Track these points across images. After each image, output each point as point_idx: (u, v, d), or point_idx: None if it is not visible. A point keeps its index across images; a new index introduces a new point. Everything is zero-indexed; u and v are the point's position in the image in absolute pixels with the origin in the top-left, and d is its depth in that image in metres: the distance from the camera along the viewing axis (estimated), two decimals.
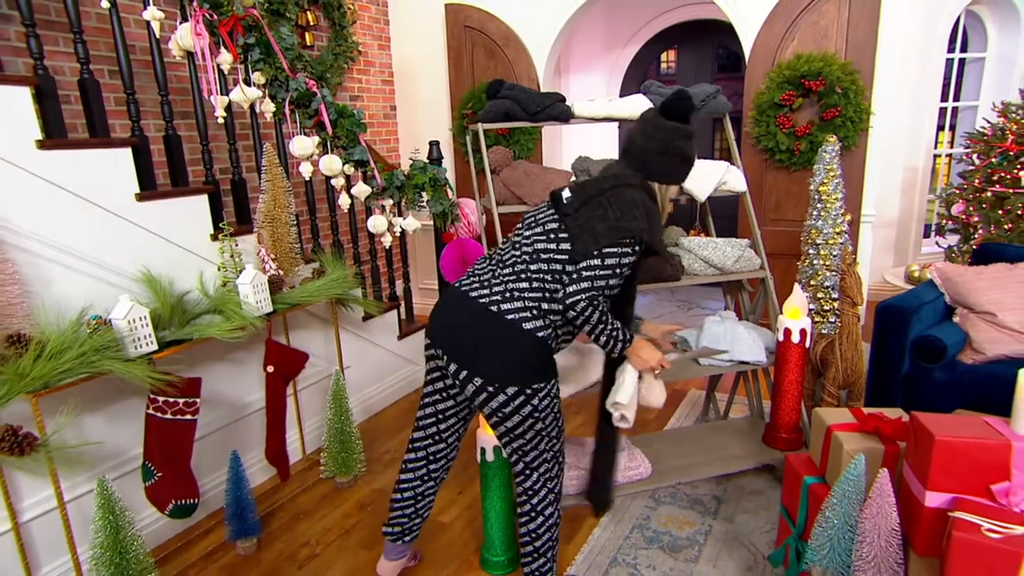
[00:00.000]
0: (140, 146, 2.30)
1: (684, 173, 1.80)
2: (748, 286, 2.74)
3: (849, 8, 3.50)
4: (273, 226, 2.62)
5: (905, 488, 1.59)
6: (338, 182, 3.00)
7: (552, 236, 1.71)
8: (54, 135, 2.03)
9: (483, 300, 1.67)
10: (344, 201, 3.02)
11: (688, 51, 5.80)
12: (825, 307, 2.96)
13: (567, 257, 1.67)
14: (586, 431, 3.14)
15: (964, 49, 4.72)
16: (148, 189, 2.31)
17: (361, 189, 3.03)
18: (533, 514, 1.81)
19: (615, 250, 1.63)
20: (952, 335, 2.44)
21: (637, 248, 1.68)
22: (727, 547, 2.21)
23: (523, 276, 1.68)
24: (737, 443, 2.59)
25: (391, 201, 3.14)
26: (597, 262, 1.62)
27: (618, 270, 1.65)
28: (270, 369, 2.50)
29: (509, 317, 1.63)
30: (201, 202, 2.51)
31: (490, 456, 2.03)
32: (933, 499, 1.47)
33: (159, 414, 2.06)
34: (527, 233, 1.76)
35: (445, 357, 1.69)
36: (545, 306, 1.66)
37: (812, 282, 2.97)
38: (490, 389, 1.64)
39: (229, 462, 2.24)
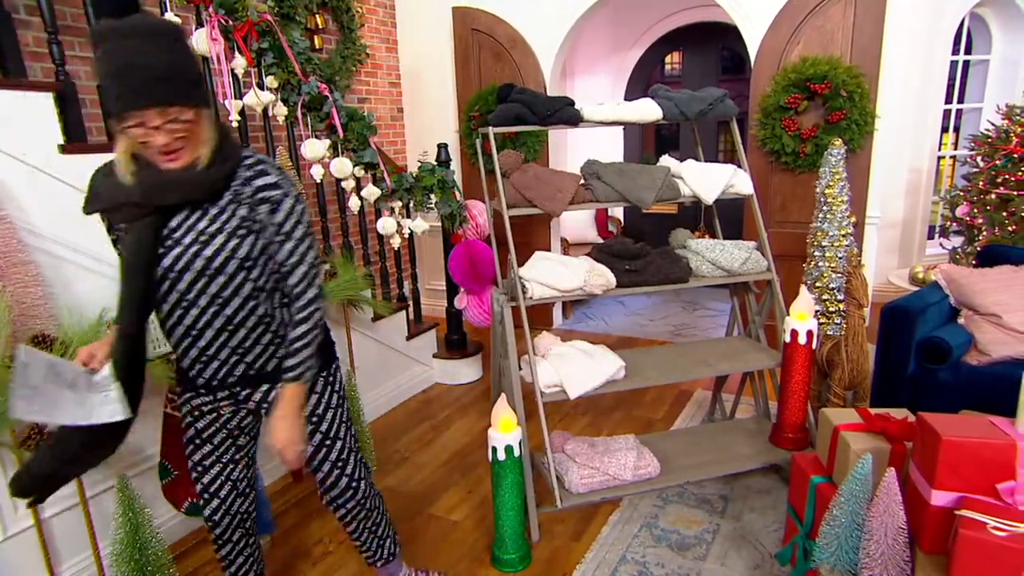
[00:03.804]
0: None
1: (114, 96, 1.22)
2: (755, 288, 2.77)
3: (854, 11, 3.53)
4: None
5: (911, 487, 1.61)
6: (348, 184, 3.03)
7: None
8: (75, 139, 2.06)
9: None
10: (354, 203, 3.05)
11: (693, 54, 5.82)
12: (831, 309, 2.98)
13: None
14: (592, 431, 3.17)
15: (968, 51, 4.73)
16: None
17: (371, 191, 3.06)
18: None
19: None
20: (957, 336, 2.47)
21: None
22: (735, 546, 2.23)
23: None
24: (744, 443, 2.61)
25: (400, 203, 3.18)
26: None
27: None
28: None
29: None
30: None
31: (502, 455, 2.06)
32: (939, 498, 1.49)
33: (176, 413, 2.10)
34: None
35: None
36: None
37: (818, 284, 3.00)
38: None
39: None
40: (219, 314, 1.42)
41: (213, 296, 1.40)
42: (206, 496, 1.63)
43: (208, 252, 1.37)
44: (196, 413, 1.57)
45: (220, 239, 1.38)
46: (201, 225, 1.38)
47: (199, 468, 1.62)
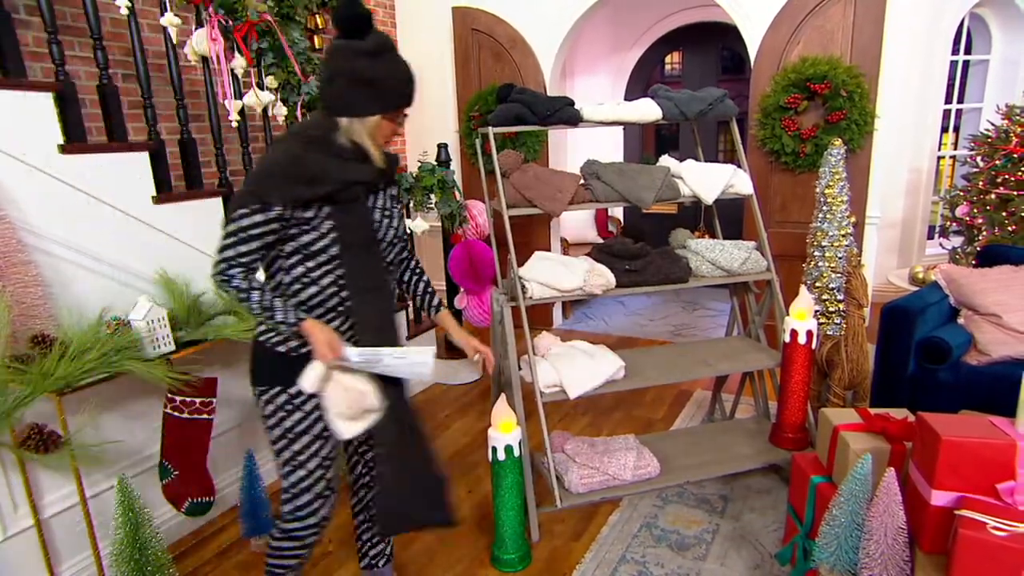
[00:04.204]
0: (157, 150, 2.34)
1: (371, 99, 1.45)
2: (754, 288, 2.77)
3: (854, 11, 3.53)
4: None
5: (911, 487, 1.62)
6: None
7: None
8: (74, 139, 2.07)
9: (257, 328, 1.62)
10: None
11: (693, 53, 5.82)
12: (831, 309, 2.98)
13: None
14: (593, 431, 3.17)
15: (968, 51, 4.73)
16: (164, 192, 2.35)
17: None
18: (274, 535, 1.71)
19: (234, 215, 1.42)
20: (957, 336, 2.47)
21: (257, 209, 1.40)
22: (734, 545, 2.23)
23: None
24: (744, 443, 2.62)
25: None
26: (222, 231, 1.44)
27: (245, 234, 1.41)
28: None
29: (260, 337, 1.58)
30: (215, 204, 2.55)
31: (501, 455, 2.06)
32: (939, 498, 1.50)
33: (176, 413, 2.10)
34: None
35: None
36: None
37: (818, 284, 3.00)
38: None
39: (244, 460, 2.27)
40: (392, 279, 1.68)
41: (391, 263, 1.64)
42: (318, 495, 1.64)
43: (395, 223, 1.62)
44: (313, 404, 1.60)
45: (396, 212, 1.64)
46: (380, 202, 1.59)
47: (322, 460, 1.63)
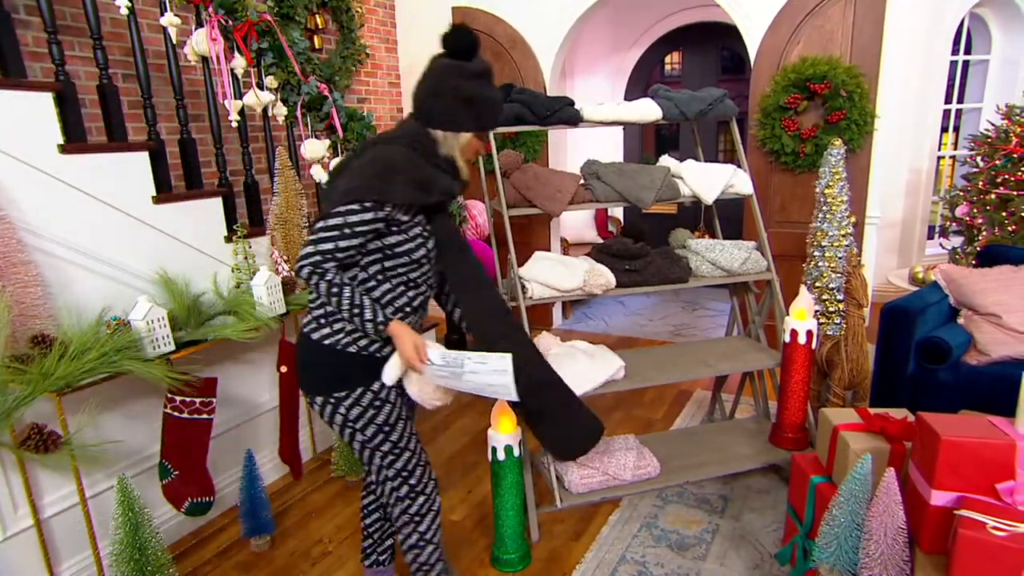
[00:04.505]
0: (156, 150, 2.34)
1: (471, 117, 1.56)
2: (754, 288, 2.77)
3: (854, 11, 3.53)
4: (285, 228, 2.65)
5: (911, 487, 1.62)
6: None
7: None
8: (74, 139, 2.06)
9: (305, 327, 1.64)
10: None
11: (693, 53, 5.82)
12: (831, 308, 2.98)
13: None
14: None
15: (968, 51, 4.73)
16: (164, 192, 2.35)
17: None
18: (399, 524, 1.78)
19: (341, 208, 1.46)
20: (957, 336, 2.47)
21: (370, 207, 1.46)
22: (734, 545, 2.23)
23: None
24: (743, 443, 2.62)
25: None
26: (322, 223, 1.47)
27: (348, 230, 1.46)
28: (283, 369, 2.53)
29: (312, 336, 1.60)
30: (215, 204, 2.55)
31: (501, 455, 2.06)
32: (939, 498, 1.50)
33: (176, 413, 2.10)
34: None
35: None
36: (329, 308, 1.58)
37: (818, 284, 3.00)
38: (315, 405, 1.64)
39: (244, 460, 2.27)
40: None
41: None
42: (423, 464, 1.73)
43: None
44: (395, 393, 1.66)
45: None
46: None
47: (413, 438, 1.72)
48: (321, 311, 1.60)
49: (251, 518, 2.28)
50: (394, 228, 1.53)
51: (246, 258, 2.51)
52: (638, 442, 2.49)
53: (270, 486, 2.73)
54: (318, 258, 1.45)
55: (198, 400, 2.12)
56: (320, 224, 1.47)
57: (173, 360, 2.05)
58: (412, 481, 1.71)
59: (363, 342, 1.58)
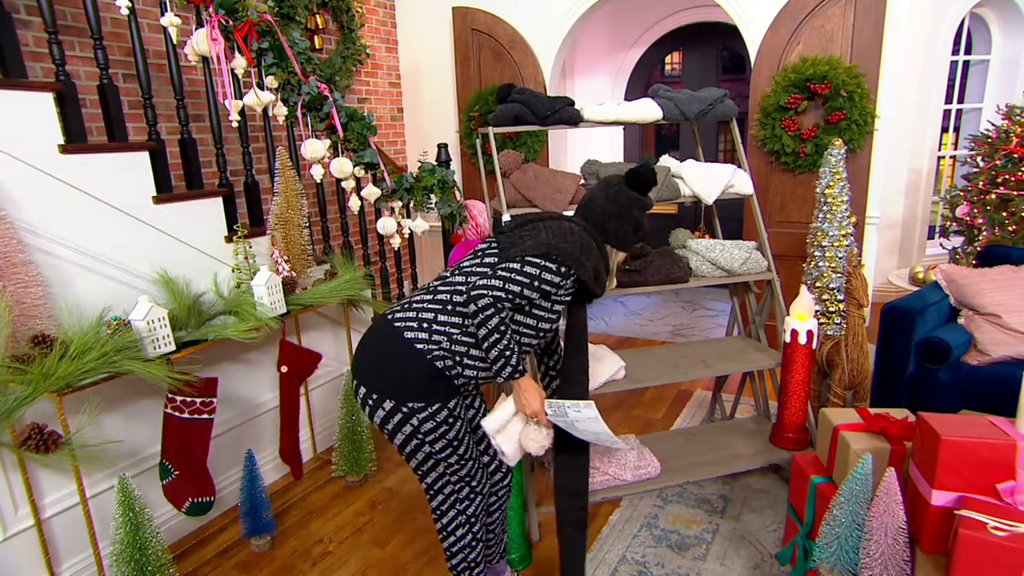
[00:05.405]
0: (157, 149, 2.34)
1: (632, 242, 1.84)
2: (755, 288, 2.77)
3: (854, 11, 3.53)
4: (286, 228, 2.65)
5: (912, 487, 1.62)
6: (348, 184, 3.03)
7: (479, 253, 1.73)
8: (75, 139, 2.06)
9: (397, 322, 1.64)
10: (354, 203, 3.05)
11: (693, 53, 5.82)
12: (831, 309, 2.98)
13: (487, 269, 1.64)
14: None
15: (968, 51, 4.73)
16: (164, 192, 2.35)
17: (371, 191, 3.06)
18: (444, 533, 1.80)
19: (539, 262, 1.60)
20: (957, 336, 2.47)
21: (563, 272, 1.62)
22: (734, 545, 2.23)
23: (436, 296, 1.66)
24: (744, 443, 2.61)
25: (400, 203, 3.18)
26: (516, 266, 1.59)
27: (536, 283, 1.58)
28: (284, 369, 2.53)
29: (406, 334, 1.61)
30: (215, 204, 2.55)
31: None
32: (939, 498, 1.50)
33: (177, 413, 2.10)
34: (463, 263, 1.75)
35: (353, 375, 1.70)
36: (443, 318, 1.61)
37: (818, 284, 3.00)
38: (370, 401, 1.63)
39: (244, 460, 2.28)
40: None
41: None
42: (481, 467, 1.82)
43: None
44: (462, 408, 1.73)
45: None
46: None
47: (474, 447, 1.79)
48: (430, 315, 1.62)
49: (251, 518, 2.28)
50: (552, 296, 1.66)
51: (246, 258, 2.50)
52: (638, 442, 2.49)
53: (270, 486, 2.73)
54: (502, 295, 1.55)
55: (199, 400, 2.12)
56: (514, 267, 1.59)
57: (174, 360, 2.05)
58: (473, 484, 1.78)
59: (449, 362, 1.61)
